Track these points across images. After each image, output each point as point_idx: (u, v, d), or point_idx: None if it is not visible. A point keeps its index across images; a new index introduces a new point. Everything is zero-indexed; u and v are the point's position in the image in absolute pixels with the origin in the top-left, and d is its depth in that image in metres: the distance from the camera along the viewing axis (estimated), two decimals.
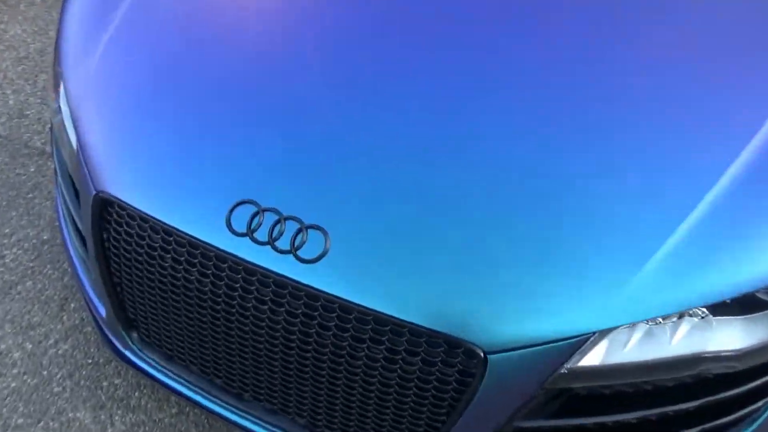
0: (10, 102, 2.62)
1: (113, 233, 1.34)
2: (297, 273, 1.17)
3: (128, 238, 1.33)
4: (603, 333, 1.17)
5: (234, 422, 1.46)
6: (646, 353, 1.21)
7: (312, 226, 1.18)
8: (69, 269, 2.01)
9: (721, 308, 1.26)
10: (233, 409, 1.44)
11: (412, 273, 1.15)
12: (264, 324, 1.24)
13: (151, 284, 1.36)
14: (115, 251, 1.36)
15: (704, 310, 1.25)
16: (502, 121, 1.32)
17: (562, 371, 1.17)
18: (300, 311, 1.19)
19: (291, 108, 1.35)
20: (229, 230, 1.21)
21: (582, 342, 1.15)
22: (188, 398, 1.49)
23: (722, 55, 1.48)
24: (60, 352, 1.83)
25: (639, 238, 1.20)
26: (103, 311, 1.55)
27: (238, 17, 1.58)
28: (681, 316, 1.23)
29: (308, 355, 1.23)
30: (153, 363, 1.50)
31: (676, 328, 1.23)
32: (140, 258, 1.32)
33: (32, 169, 2.35)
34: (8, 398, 1.73)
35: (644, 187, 1.26)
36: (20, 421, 1.69)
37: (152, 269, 1.32)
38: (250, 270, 1.21)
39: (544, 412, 1.26)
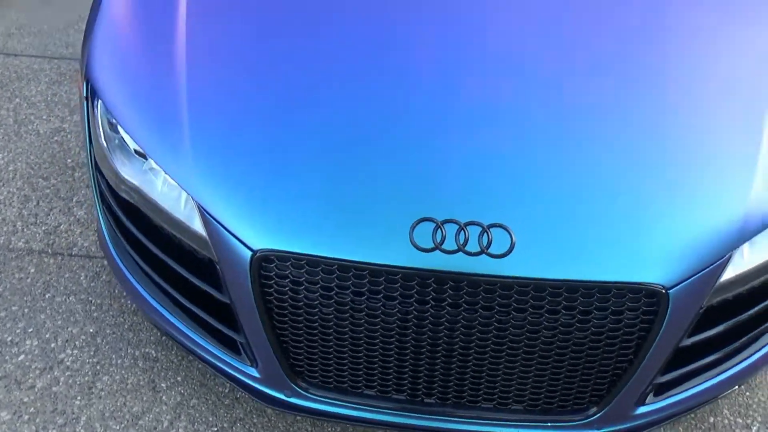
0: None
1: (276, 287, 1.56)
2: (492, 269, 1.47)
3: (296, 287, 1.54)
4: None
5: (418, 426, 1.73)
6: (759, 258, 1.63)
7: (493, 225, 1.47)
8: (160, 353, 2.15)
9: None
10: (415, 416, 1.72)
11: (588, 238, 1.49)
12: (459, 326, 1.52)
13: (325, 325, 1.58)
14: (279, 304, 1.58)
15: None
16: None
17: (716, 287, 1.55)
18: (495, 302, 1.48)
19: (421, 124, 1.64)
20: (417, 248, 1.47)
21: (728, 259, 1.54)
22: (372, 421, 1.74)
23: None
24: (181, 430, 1.99)
25: (735, 162, 1.62)
26: (254, 371, 1.73)
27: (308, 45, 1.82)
28: None
29: (505, 341, 1.54)
30: (326, 400, 1.72)
31: None
32: (313, 303, 1.55)
33: (32, 270, 2.43)
34: None
35: (713, 117, 1.69)
36: None
37: (328, 309, 1.55)
38: (442, 279, 1.49)
39: (696, 329, 1.64)
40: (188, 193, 1.65)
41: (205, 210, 1.63)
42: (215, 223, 1.61)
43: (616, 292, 1.50)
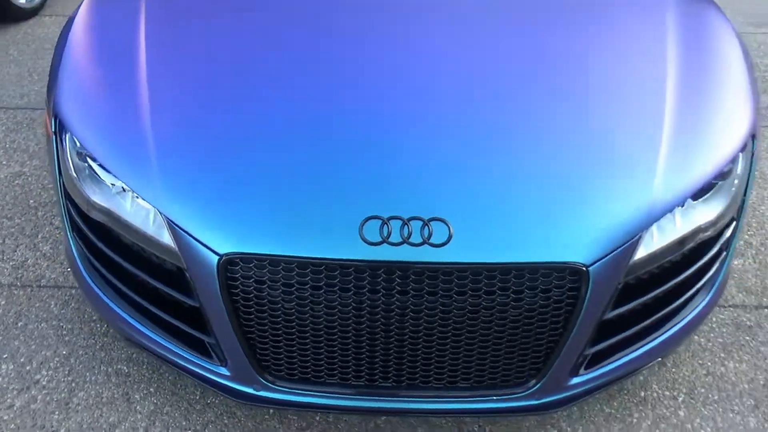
0: None
1: (242, 287, 1.72)
2: (434, 257, 1.65)
3: (260, 286, 1.69)
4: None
5: (377, 409, 1.89)
6: (666, 239, 1.84)
7: (433, 219, 1.66)
8: (128, 367, 2.28)
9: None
10: (374, 399, 1.88)
11: (517, 225, 1.69)
12: (408, 311, 1.70)
13: (288, 320, 1.73)
14: (245, 303, 1.75)
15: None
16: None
17: (629, 266, 1.75)
18: (439, 287, 1.66)
19: (366, 131, 1.84)
20: (366, 243, 1.65)
21: (637, 240, 1.74)
22: (335, 407, 1.89)
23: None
24: None
25: (639, 156, 1.85)
26: (224, 369, 1.86)
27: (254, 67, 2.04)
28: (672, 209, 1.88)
29: (449, 323, 1.72)
30: (292, 391, 1.86)
31: (674, 215, 1.86)
32: (275, 299, 1.72)
33: (3, 302, 2.54)
34: None
35: (619, 120, 1.93)
36: None
37: (289, 305, 1.70)
38: (390, 269, 1.67)
39: (614, 304, 1.84)
40: (157, 209, 1.80)
41: (173, 222, 1.78)
42: (183, 233, 1.77)
43: (544, 272, 1.70)
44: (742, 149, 2.01)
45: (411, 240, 1.68)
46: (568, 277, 1.72)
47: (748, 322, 2.54)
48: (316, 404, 1.93)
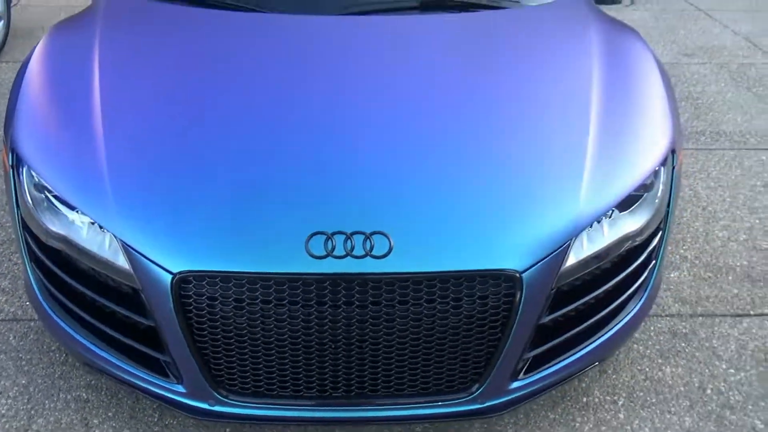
0: None
1: (195, 304, 1.80)
2: (376, 268, 1.75)
3: (212, 302, 1.76)
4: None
5: (329, 419, 1.96)
6: (595, 247, 1.96)
7: (374, 233, 1.76)
8: (87, 393, 2.30)
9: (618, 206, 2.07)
10: (326, 409, 1.95)
11: (453, 237, 1.81)
12: (354, 322, 1.78)
13: (240, 334, 1.80)
14: (198, 320, 1.82)
15: (614, 209, 2.05)
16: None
17: (561, 272, 1.86)
18: (382, 297, 1.75)
19: (309, 154, 1.96)
20: (312, 257, 1.73)
21: (567, 248, 1.85)
22: (288, 419, 1.95)
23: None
24: None
25: (566, 171, 1.98)
26: (180, 387, 1.92)
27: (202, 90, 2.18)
28: (599, 219, 2.01)
29: (393, 332, 1.81)
30: (246, 404, 1.92)
31: (602, 225, 1.98)
32: (227, 315, 1.79)
33: None
34: None
35: (548, 137, 2.07)
36: None
37: (241, 319, 1.77)
38: (335, 281, 1.76)
39: (550, 309, 1.94)
40: (112, 233, 1.88)
41: (128, 246, 1.85)
42: (137, 255, 1.84)
43: (480, 279, 1.81)
44: (663, 163, 2.16)
45: (354, 253, 1.78)
46: (503, 284, 1.83)
47: (683, 330, 2.68)
48: (269, 416, 1.99)
